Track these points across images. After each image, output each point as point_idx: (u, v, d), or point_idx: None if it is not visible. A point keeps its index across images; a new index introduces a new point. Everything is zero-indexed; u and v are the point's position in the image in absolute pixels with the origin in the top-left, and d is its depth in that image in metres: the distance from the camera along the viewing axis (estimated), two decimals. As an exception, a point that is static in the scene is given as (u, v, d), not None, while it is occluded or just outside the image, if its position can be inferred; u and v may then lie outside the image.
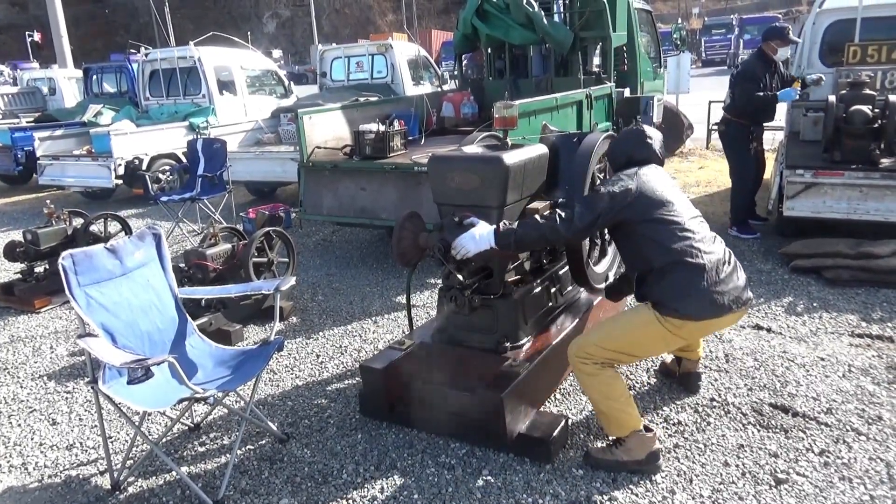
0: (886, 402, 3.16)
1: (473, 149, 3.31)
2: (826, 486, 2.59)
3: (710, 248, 2.65)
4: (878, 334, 3.88)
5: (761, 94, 5.45)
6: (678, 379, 3.38)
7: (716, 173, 8.63)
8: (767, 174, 6.48)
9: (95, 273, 2.74)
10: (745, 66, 5.81)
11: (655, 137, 2.94)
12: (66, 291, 2.62)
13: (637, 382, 3.45)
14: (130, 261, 2.91)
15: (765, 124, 5.83)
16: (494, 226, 2.78)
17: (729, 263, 2.67)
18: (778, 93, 5.47)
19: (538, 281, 3.33)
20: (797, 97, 5.61)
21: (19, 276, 5.40)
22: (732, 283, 2.62)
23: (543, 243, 2.85)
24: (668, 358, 3.47)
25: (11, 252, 5.24)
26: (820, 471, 2.68)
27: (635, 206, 2.65)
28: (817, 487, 2.58)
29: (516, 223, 2.80)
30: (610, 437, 2.83)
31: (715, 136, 10.65)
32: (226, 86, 10.18)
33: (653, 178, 2.74)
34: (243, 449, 3.04)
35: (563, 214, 2.69)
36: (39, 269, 5.41)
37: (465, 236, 2.79)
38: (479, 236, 2.77)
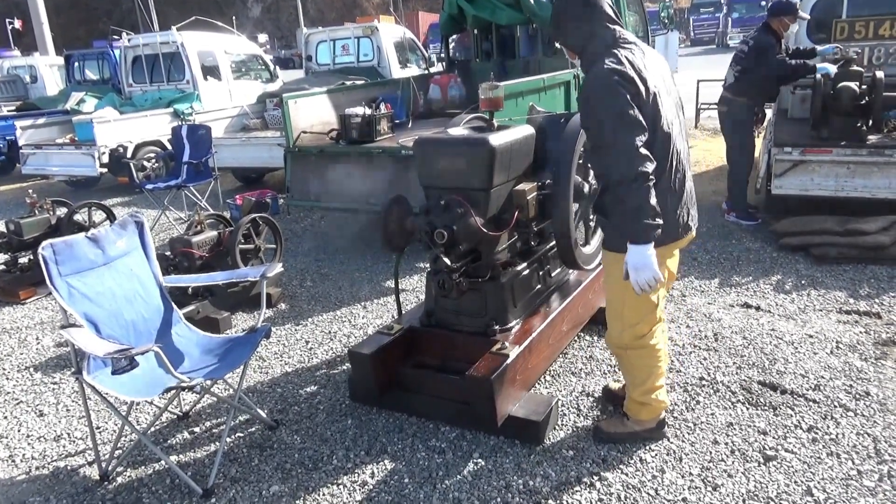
0: (874, 377, 3.18)
1: (459, 131, 3.28)
2: (814, 461, 2.61)
3: (686, 170, 2.55)
4: (866, 310, 3.90)
5: (793, 61, 5.20)
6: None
7: (704, 153, 8.63)
8: (756, 153, 6.46)
9: (77, 262, 2.70)
10: (761, 42, 5.35)
11: None
12: (48, 282, 2.59)
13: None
14: (113, 250, 2.87)
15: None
16: (629, 242, 2.33)
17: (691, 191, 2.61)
18: (818, 48, 5.30)
19: (526, 263, 3.31)
20: (834, 52, 5.32)
21: (3, 267, 5.34)
22: (692, 202, 2.60)
23: (651, 192, 2.29)
24: (616, 385, 3.11)
25: (-6, 243, 5.18)
26: (808, 447, 2.70)
27: (640, 107, 2.31)
28: (805, 463, 2.60)
29: (625, 216, 2.33)
30: (617, 409, 2.84)
31: (704, 115, 10.67)
32: (210, 71, 10.05)
33: (639, 64, 2.37)
34: (233, 437, 3.02)
35: (625, 168, 2.26)
36: (23, 259, 5.34)
37: (635, 279, 2.34)
38: (636, 261, 2.32)
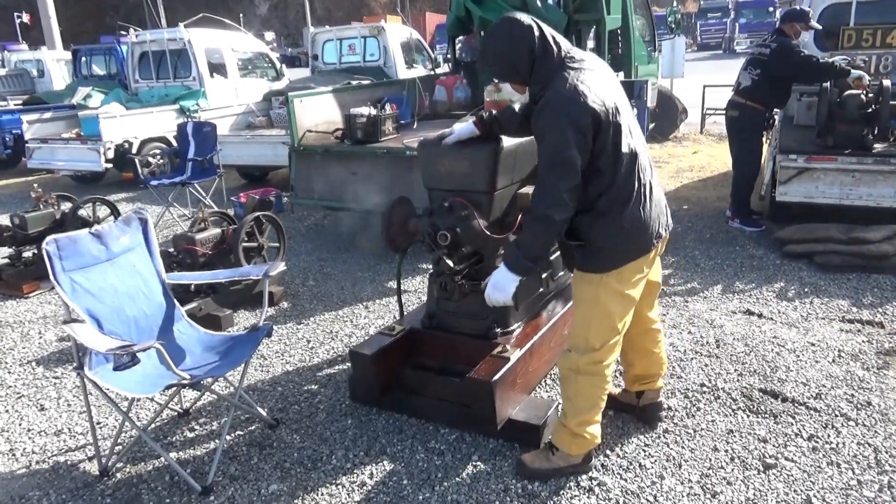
0: (875, 387, 3.17)
1: (464, 133, 3.27)
2: (814, 470, 2.60)
3: (652, 174, 2.43)
4: (869, 320, 3.89)
5: (821, 60, 5.15)
6: (637, 412, 2.98)
7: (710, 158, 8.61)
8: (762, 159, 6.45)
9: (80, 258, 2.71)
10: (783, 42, 5.29)
11: (527, 21, 2.33)
12: (51, 277, 2.59)
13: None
14: (116, 246, 2.87)
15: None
16: (501, 265, 2.42)
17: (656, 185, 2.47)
18: (827, 59, 5.21)
19: (529, 266, 3.30)
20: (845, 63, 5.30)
21: (7, 260, 5.36)
22: (662, 209, 2.49)
23: (550, 240, 2.41)
24: (616, 390, 3.03)
25: (-1, 236, 5.19)
26: (808, 456, 2.69)
27: (599, 134, 2.24)
28: (805, 472, 2.59)
29: (513, 246, 2.43)
30: (544, 441, 2.74)
31: (710, 120, 10.67)
32: (217, 68, 10.07)
33: (594, 85, 2.25)
34: (232, 435, 3.02)
35: (537, 204, 2.30)
36: (27, 253, 5.36)
37: (489, 293, 2.45)
38: (498, 281, 2.41)
